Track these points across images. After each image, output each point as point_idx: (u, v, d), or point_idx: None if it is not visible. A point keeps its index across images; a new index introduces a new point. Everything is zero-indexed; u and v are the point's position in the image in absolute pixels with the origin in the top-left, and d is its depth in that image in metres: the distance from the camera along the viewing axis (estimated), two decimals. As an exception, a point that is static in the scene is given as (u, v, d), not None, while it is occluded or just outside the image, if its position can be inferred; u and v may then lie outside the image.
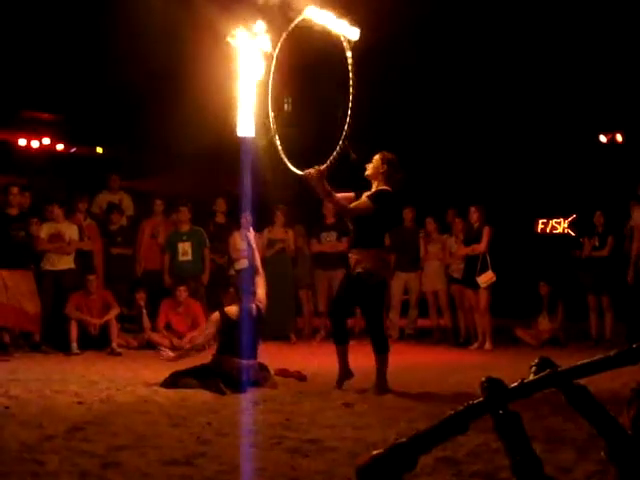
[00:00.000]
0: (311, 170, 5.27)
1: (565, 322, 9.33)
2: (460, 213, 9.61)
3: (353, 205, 5.56)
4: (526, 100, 11.58)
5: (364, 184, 5.73)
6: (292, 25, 5.31)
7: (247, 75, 5.54)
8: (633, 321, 8.59)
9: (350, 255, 5.67)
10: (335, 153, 5.17)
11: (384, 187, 5.60)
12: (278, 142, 5.45)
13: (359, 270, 5.47)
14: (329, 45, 5.12)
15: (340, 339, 5.70)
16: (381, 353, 5.53)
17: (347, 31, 5.01)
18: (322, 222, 9.81)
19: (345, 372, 5.65)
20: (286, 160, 5.46)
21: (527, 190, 12.62)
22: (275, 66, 5.50)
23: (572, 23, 9.78)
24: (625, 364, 2.13)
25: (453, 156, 12.45)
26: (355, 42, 4.99)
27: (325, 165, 5.25)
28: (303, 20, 5.20)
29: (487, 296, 8.83)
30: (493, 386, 2.10)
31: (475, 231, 8.98)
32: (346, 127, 5.04)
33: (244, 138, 5.62)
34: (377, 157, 5.69)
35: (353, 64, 4.98)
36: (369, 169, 5.69)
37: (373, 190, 5.63)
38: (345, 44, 5.00)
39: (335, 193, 5.47)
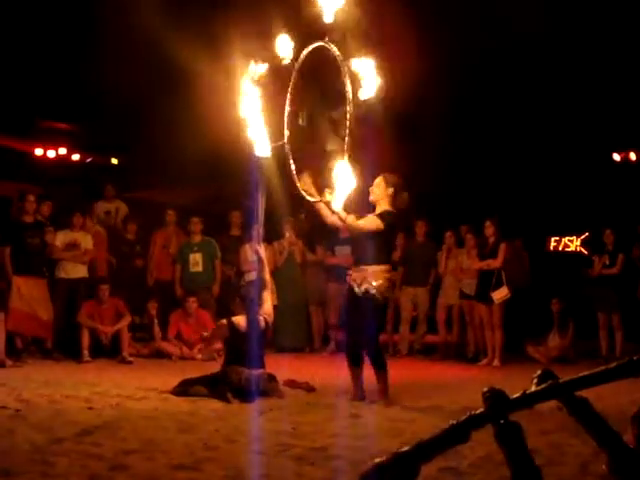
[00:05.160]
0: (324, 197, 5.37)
1: (575, 340, 9.29)
2: (473, 229, 9.57)
3: (362, 224, 5.52)
4: (540, 118, 11.60)
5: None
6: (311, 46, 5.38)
7: (255, 93, 5.60)
8: None
9: (353, 273, 5.59)
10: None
11: (388, 208, 5.59)
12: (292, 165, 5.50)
13: (365, 287, 5.45)
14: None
15: (355, 361, 5.66)
16: (381, 369, 5.56)
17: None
18: (336, 235, 9.82)
19: (359, 393, 5.61)
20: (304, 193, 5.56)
21: (540, 208, 12.60)
22: (293, 82, 5.54)
23: (586, 42, 9.82)
24: (625, 376, 2.16)
25: (467, 173, 12.47)
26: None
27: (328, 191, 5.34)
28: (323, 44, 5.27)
29: (501, 312, 8.78)
30: (495, 396, 2.14)
31: (491, 246, 8.87)
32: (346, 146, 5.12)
33: (256, 155, 5.65)
34: (379, 181, 5.63)
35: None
36: (374, 194, 5.64)
37: (378, 211, 5.60)
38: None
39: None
